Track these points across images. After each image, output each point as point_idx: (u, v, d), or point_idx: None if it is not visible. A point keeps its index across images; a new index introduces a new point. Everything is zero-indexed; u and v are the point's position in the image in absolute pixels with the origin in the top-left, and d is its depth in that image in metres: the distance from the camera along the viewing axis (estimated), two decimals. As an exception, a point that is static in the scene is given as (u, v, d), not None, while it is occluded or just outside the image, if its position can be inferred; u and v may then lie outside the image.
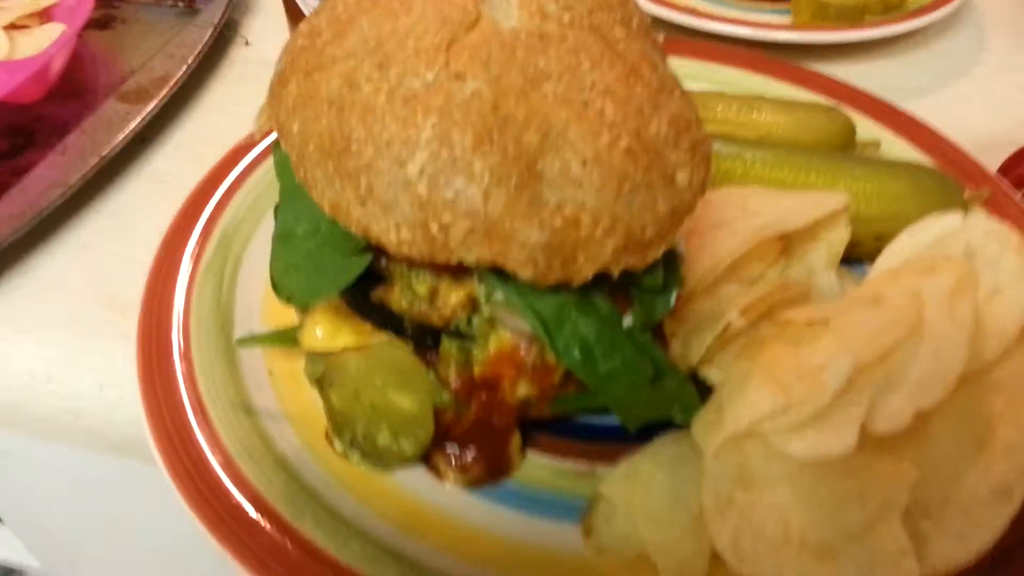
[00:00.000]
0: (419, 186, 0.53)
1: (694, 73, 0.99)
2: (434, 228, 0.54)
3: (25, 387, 0.80)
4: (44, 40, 1.11)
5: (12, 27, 1.14)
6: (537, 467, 0.67)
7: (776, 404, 0.57)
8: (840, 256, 0.74)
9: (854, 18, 1.15)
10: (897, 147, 0.90)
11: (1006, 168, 0.94)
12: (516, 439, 0.67)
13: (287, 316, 0.72)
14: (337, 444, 0.66)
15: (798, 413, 0.56)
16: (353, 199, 0.55)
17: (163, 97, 1.04)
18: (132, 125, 1.00)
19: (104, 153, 0.96)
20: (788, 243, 0.75)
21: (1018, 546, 0.57)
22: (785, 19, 1.20)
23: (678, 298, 0.65)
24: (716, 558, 0.58)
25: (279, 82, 0.61)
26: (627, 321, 0.61)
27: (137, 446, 0.77)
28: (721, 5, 1.23)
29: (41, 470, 1.06)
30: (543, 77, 0.56)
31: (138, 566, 1.26)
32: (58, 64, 1.08)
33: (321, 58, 0.58)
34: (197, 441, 0.63)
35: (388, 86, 0.55)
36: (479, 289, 0.62)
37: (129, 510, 1.10)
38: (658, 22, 1.16)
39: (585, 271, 0.56)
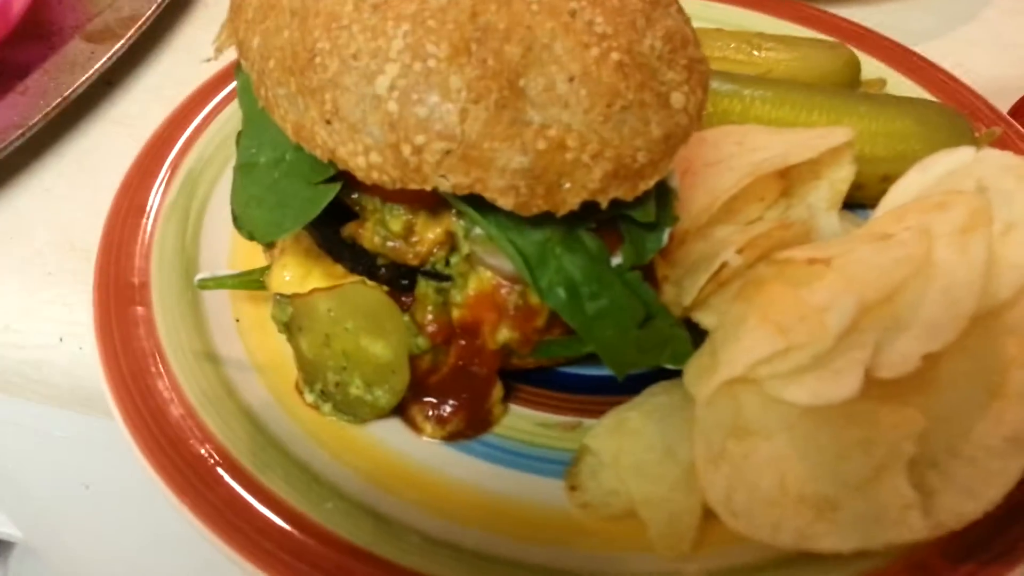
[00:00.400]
0: (389, 103, 0.49)
1: (693, 10, 0.93)
2: (406, 150, 0.49)
3: (-18, 337, 0.75)
4: (5, -22, 1.05)
5: (-28, -35, 1.08)
6: (519, 420, 0.64)
7: (774, 347, 0.53)
8: (844, 196, 0.69)
9: (860, -42, 1.10)
10: (904, 87, 0.85)
11: (1015, 111, 0.90)
12: (497, 389, 0.63)
13: (257, 262, 0.68)
14: (307, 395, 0.62)
15: (798, 357, 0.52)
16: (318, 119, 0.51)
17: (130, 37, 0.98)
18: (97, 66, 0.94)
19: (67, 94, 0.90)
20: (788, 183, 0.70)
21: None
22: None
23: (671, 237, 0.61)
24: (708, 513, 0.54)
25: (238, -7, 0.56)
26: (616, 259, 0.57)
27: (100, 400, 0.73)
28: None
29: (9, 428, 1.02)
30: (528, -18, 0.51)
31: (122, 531, 1.23)
32: (20, 2, 1.02)
33: (282, -35, 0.53)
34: (156, 390, 0.59)
35: (355, -8, 0.50)
36: (457, 225, 0.57)
37: (104, 472, 1.07)
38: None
39: (571, 200, 0.51)
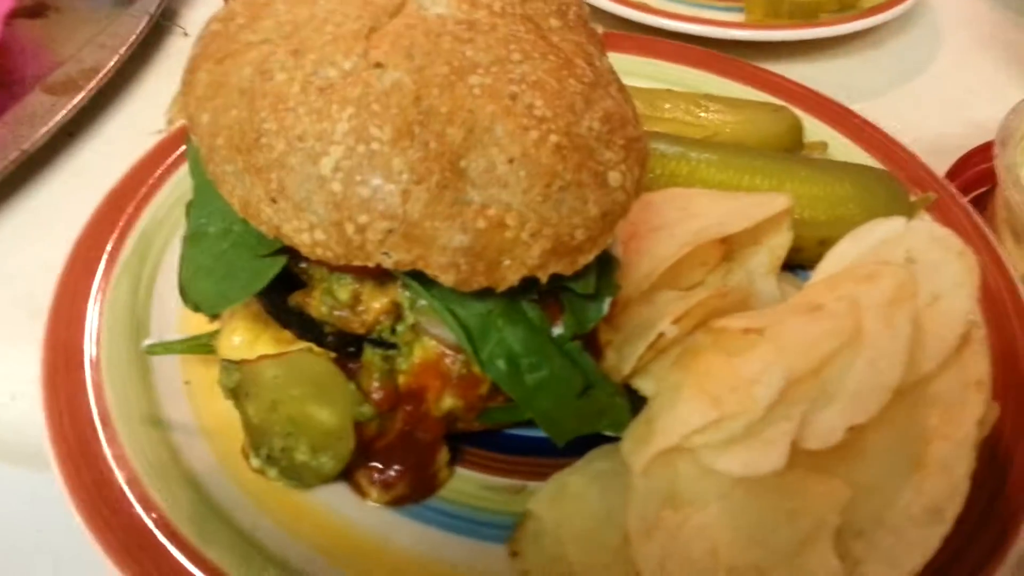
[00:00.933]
0: (333, 184, 0.50)
1: (641, 70, 0.97)
2: (350, 229, 0.51)
3: (-69, 395, 0.75)
4: (-33, 27, 1.06)
5: (-67, 13, 1.08)
6: (465, 483, 0.65)
7: (707, 418, 0.55)
8: (782, 261, 0.72)
9: (808, 15, 1.14)
10: (845, 149, 0.88)
11: (954, 172, 0.94)
12: (443, 454, 0.64)
13: (207, 324, 0.68)
14: (253, 460, 0.63)
15: (729, 427, 0.54)
16: (264, 197, 0.52)
17: (91, 89, 0.99)
18: (57, 118, 0.95)
19: (25, 147, 0.91)
20: (729, 248, 0.73)
21: (949, 571, 0.55)
22: (738, 17, 1.18)
23: (613, 305, 0.63)
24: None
25: (190, 69, 0.57)
26: (557, 329, 0.59)
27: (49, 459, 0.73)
28: (673, 1, 1.21)
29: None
30: (470, 68, 0.53)
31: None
32: (-19, 51, 1.03)
33: (233, 43, 0.55)
34: (102, 456, 0.60)
35: (303, 75, 0.51)
36: (403, 295, 0.59)
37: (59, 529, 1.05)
38: (608, 17, 1.14)
39: (511, 277, 0.53)
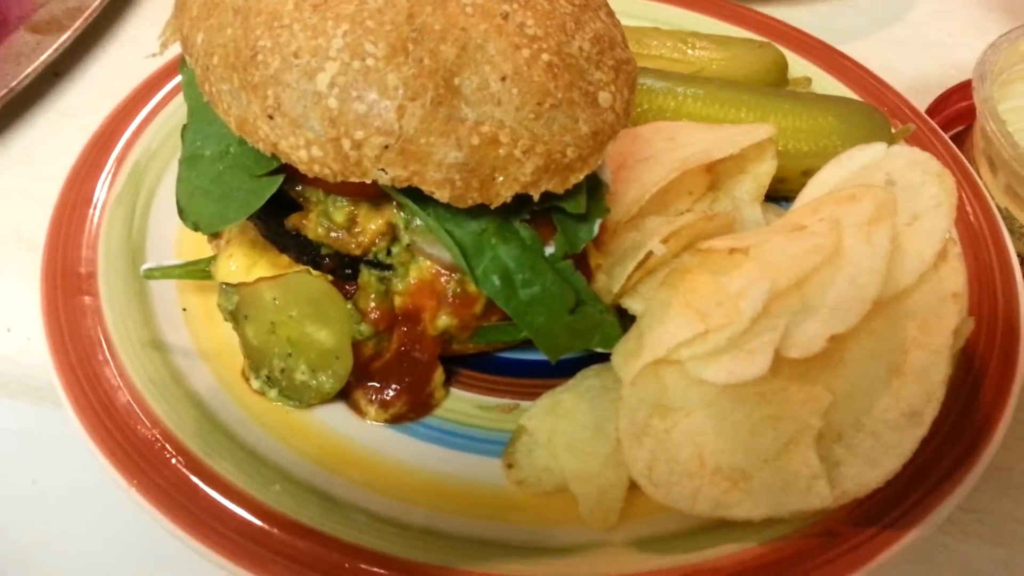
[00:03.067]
0: (329, 100, 0.51)
1: (629, 9, 0.97)
2: (346, 145, 0.52)
3: (-74, 328, 0.76)
4: (-54, -33, 1.04)
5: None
6: (460, 403, 0.67)
7: (694, 331, 0.57)
8: (766, 189, 0.73)
9: (793, -40, 1.14)
10: (828, 84, 0.90)
11: (933, 109, 0.95)
12: (439, 374, 0.65)
13: (203, 252, 0.70)
14: (253, 381, 0.64)
15: (715, 339, 0.56)
16: (260, 114, 0.53)
17: (76, 28, 0.99)
18: (43, 57, 0.94)
19: (12, 85, 0.90)
20: (716, 177, 0.74)
21: (927, 471, 0.57)
22: (725, -40, 1.18)
23: (602, 227, 0.64)
24: (632, 487, 0.58)
25: (183, -9, 0.58)
26: (549, 249, 0.60)
27: (47, 390, 0.74)
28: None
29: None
30: (463, -14, 0.53)
31: (70, 528, 1.22)
32: (-39, -8, 1.01)
33: (226, -36, 0.55)
34: (104, 377, 0.61)
35: (297, -9, 0.52)
36: (398, 216, 0.60)
37: (52, 466, 1.06)
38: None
39: (504, 193, 0.54)
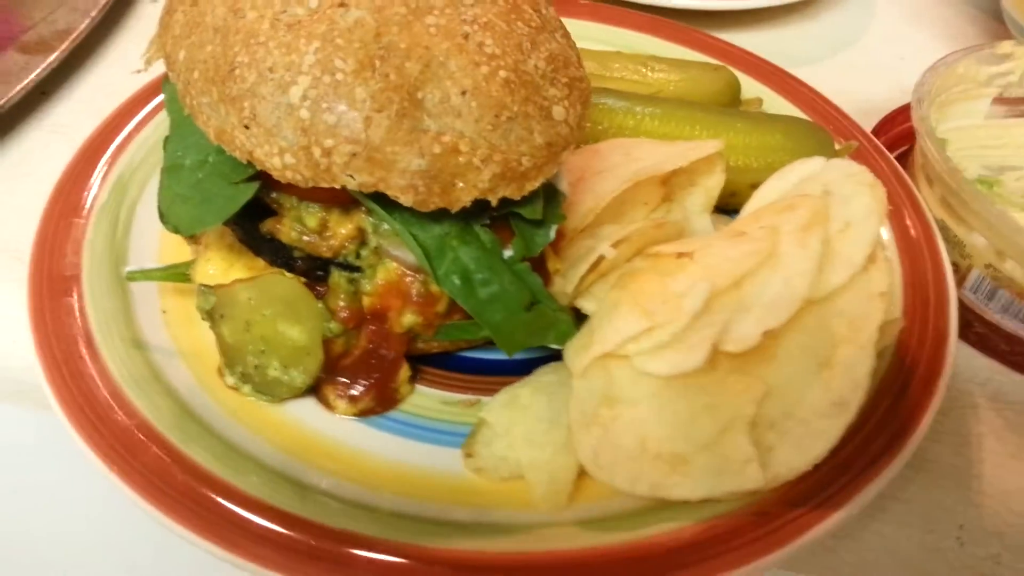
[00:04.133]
0: (301, 111, 0.55)
1: (594, 35, 1.03)
2: (317, 153, 0.56)
3: (-84, 333, 0.79)
4: (-63, -11, 1.08)
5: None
6: (425, 398, 0.70)
7: (640, 327, 0.61)
8: (715, 200, 0.78)
9: (750, -11, 1.21)
10: (778, 105, 0.95)
11: (879, 129, 1.01)
12: (404, 370, 0.69)
13: (182, 258, 0.73)
14: (228, 378, 0.68)
15: (659, 335, 0.61)
16: (237, 124, 0.57)
17: (64, 49, 1.03)
18: (32, 76, 0.98)
19: (1, 103, 0.94)
20: (669, 189, 0.79)
21: (855, 459, 0.62)
22: (687, -12, 1.25)
23: (560, 234, 0.69)
24: (582, 475, 0.62)
25: (167, 11, 0.62)
26: (508, 252, 0.65)
27: (31, 393, 0.77)
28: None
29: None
30: (426, 9, 0.58)
31: (50, 535, 1.24)
32: (-46, 13, 1.05)
33: (206, -13, 0.60)
34: (87, 372, 0.64)
35: (272, 12, 0.57)
36: (366, 221, 0.64)
37: (32, 474, 1.09)
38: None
39: (464, 198, 0.59)
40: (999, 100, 0.98)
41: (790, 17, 1.29)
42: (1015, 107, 0.99)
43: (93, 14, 1.09)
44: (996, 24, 1.27)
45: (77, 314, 0.68)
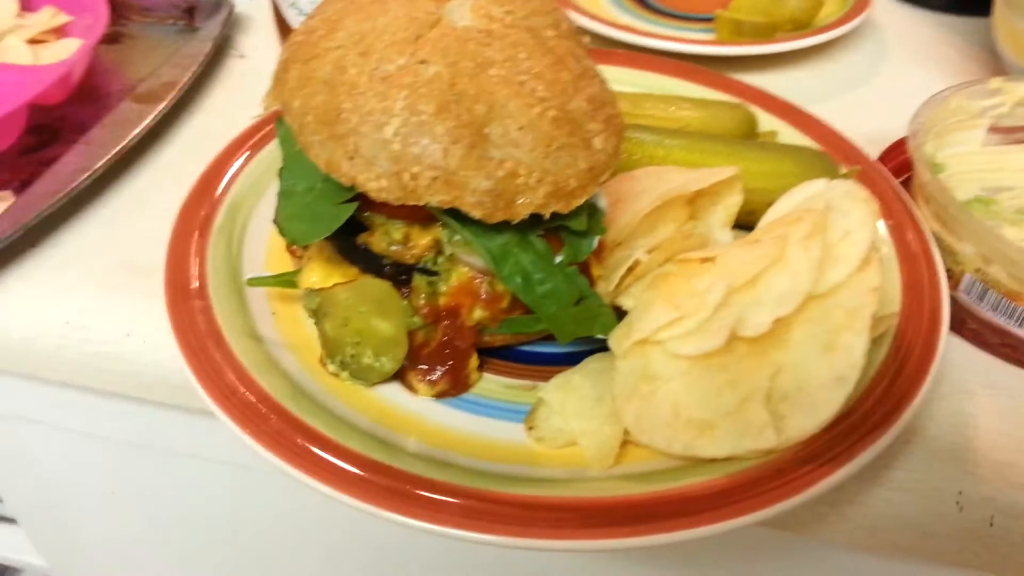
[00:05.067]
0: (394, 144, 0.70)
1: (628, 79, 1.18)
2: (406, 177, 0.70)
3: (61, 336, 0.94)
4: (63, 52, 1.27)
5: (32, 42, 1.30)
6: (491, 384, 0.83)
7: (671, 317, 0.74)
8: (734, 217, 0.91)
9: (767, 34, 1.35)
10: (791, 136, 1.08)
11: (885, 156, 1.13)
12: (474, 359, 0.82)
13: (285, 268, 0.88)
14: (330, 366, 0.81)
15: (687, 324, 0.73)
16: (343, 157, 0.72)
17: (172, 99, 1.20)
18: (147, 121, 1.15)
19: (123, 144, 1.11)
20: (694, 208, 0.92)
21: (857, 427, 0.73)
22: (709, 36, 1.39)
23: (600, 243, 0.82)
24: (625, 443, 0.74)
25: (282, 69, 0.78)
26: (559, 258, 0.78)
27: (158, 385, 0.92)
28: (654, 24, 1.43)
29: (48, 432, 1.19)
30: (489, 63, 0.72)
31: (145, 535, 1.38)
32: (78, 71, 1.23)
33: (316, 49, 0.75)
34: (216, 359, 0.78)
35: (369, 69, 0.71)
36: (442, 233, 0.78)
37: (133, 476, 1.23)
38: (603, 38, 1.35)
39: (523, 212, 0.72)
40: (994, 129, 1.10)
41: (803, 61, 1.42)
42: (1009, 135, 1.11)
43: (194, 68, 1.27)
44: (996, 63, 1.38)
45: (204, 314, 0.82)
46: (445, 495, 0.68)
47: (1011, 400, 0.87)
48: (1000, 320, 0.89)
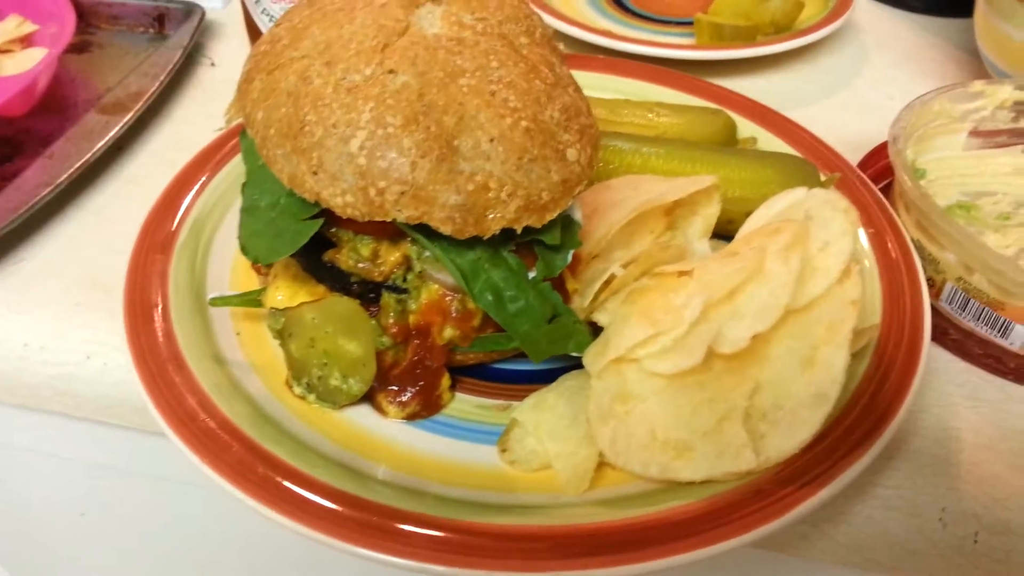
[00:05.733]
0: (360, 159, 0.67)
1: (605, 84, 1.15)
2: (372, 192, 0.68)
3: (20, 358, 0.91)
4: (28, 62, 1.24)
5: (-3, 51, 1.27)
6: (463, 404, 0.81)
7: (647, 334, 0.72)
8: (712, 227, 0.89)
9: (747, 38, 1.33)
10: (771, 143, 1.06)
11: (865, 162, 1.12)
12: (446, 379, 0.80)
13: (251, 287, 0.85)
14: (296, 388, 0.79)
15: (663, 340, 0.71)
16: (307, 171, 0.69)
17: (138, 110, 1.17)
18: (111, 133, 1.12)
19: (86, 157, 1.08)
20: (672, 219, 0.90)
21: (838, 445, 0.71)
22: (689, 40, 1.37)
23: (576, 257, 0.80)
24: (601, 466, 0.72)
25: (245, 80, 0.75)
26: (532, 273, 0.76)
27: (119, 407, 0.89)
28: (633, 28, 1.41)
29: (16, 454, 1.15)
30: (459, 72, 0.70)
31: (114, 559, 1.34)
32: (42, 82, 1.20)
33: (280, 59, 0.73)
34: (176, 383, 0.75)
35: (335, 79, 0.69)
36: (412, 249, 0.76)
37: (102, 497, 1.20)
38: (580, 43, 1.33)
39: (494, 227, 0.70)
40: (975, 133, 1.08)
41: (783, 64, 1.41)
42: (989, 139, 1.09)
43: (162, 78, 1.23)
44: (978, 65, 1.37)
45: (165, 336, 0.80)
46: (416, 526, 0.66)
47: (994, 412, 0.85)
48: (983, 330, 0.87)
